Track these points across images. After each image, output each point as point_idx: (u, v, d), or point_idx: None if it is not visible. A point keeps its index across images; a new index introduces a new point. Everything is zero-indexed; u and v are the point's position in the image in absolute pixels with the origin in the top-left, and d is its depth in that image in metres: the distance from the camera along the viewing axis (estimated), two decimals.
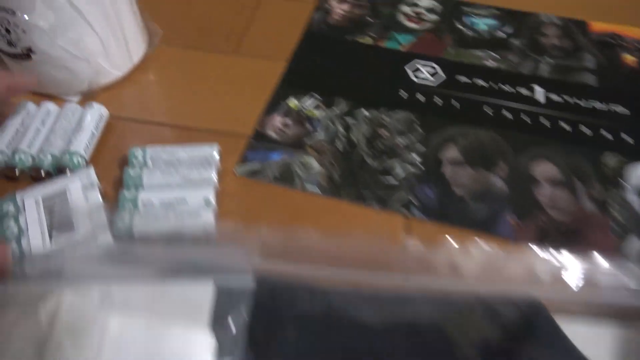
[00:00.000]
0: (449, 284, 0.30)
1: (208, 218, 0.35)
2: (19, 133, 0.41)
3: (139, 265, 0.31)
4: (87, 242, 0.34)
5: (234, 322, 0.28)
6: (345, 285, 0.30)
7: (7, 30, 0.39)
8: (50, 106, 0.42)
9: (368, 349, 0.29)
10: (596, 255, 0.33)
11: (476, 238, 0.34)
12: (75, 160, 0.38)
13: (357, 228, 0.36)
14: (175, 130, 0.43)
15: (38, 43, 0.40)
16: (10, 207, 0.36)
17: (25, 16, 0.38)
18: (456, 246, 0.33)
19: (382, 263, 0.32)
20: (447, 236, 0.34)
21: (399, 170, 0.38)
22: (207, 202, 0.36)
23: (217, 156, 0.38)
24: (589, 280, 0.31)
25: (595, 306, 0.30)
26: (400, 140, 0.40)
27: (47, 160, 0.39)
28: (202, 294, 0.29)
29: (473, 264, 0.32)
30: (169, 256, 0.31)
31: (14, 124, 0.41)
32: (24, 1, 0.37)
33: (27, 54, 0.41)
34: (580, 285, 0.30)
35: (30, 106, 0.42)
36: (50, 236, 0.34)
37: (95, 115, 0.41)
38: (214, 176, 0.37)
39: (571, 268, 0.32)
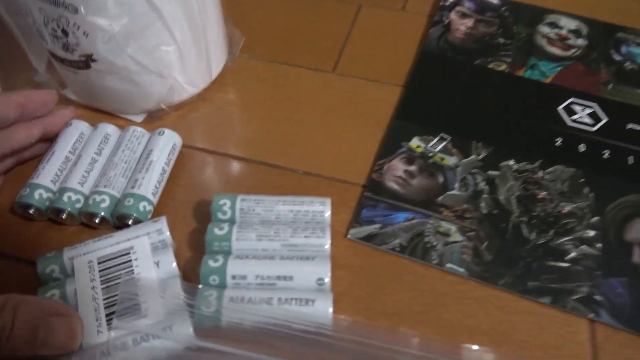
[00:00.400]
0: None
1: (324, 309, 0.25)
2: (68, 163, 0.32)
3: None
4: (159, 335, 0.24)
5: None
6: None
7: (65, 32, 0.30)
8: (109, 128, 0.33)
9: None
10: None
11: None
12: (141, 208, 0.29)
13: (522, 332, 0.26)
14: (263, 170, 0.34)
15: (102, 50, 0.31)
16: (54, 270, 0.27)
17: (91, 16, 0.29)
18: None
19: None
20: None
21: (573, 251, 0.29)
22: (320, 284, 0.26)
23: (329, 214, 0.29)
24: None
25: None
26: (567, 208, 0.31)
27: (104, 204, 0.30)
28: None
29: None
30: None
31: (62, 150, 0.32)
32: None
33: (85, 62, 0.32)
34: None
35: (84, 126, 0.34)
36: (109, 322, 0.25)
37: (168, 146, 0.32)
38: (327, 245, 0.28)
39: None
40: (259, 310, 0.25)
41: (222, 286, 0.26)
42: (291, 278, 0.26)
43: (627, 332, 0.26)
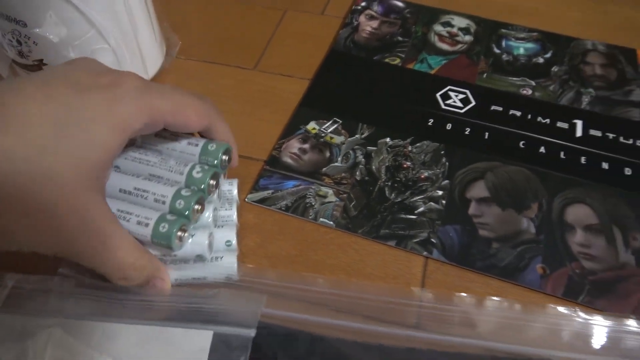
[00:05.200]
0: (463, 341, 0.29)
1: (230, 262, 0.34)
2: None
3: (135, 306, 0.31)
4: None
5: None
6: (351, 335, 0.30)
7: (19, 42, 0.40)
8: None
9: None
10: (629, 315, 0.32)
11: (495, 297, 0.33)
12: None
13: (371, 267, 0.36)
14: None
15: (49, 56, 0.41)
16: None
17: (36, 29, 0.39)
18: (473, 301, 0.32)
19: (392, 315, 0.31)
20: (462, 294, 0.34)
21: (421, 207, 0.38)
22: (228, 245, 0.35)
23: (236, 192, 0.38)
24: (616, 343, 0.30)
25: None
26: (425, 174, 0.40)
27: None
28: (200, 342, 0.29)
29: (491, 320, 0.31)
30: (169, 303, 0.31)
31: None
32: (35, 14, 0.38)
33: (39, 66, 0.42)
34: (606, 347, 0.29)
35: None
36: None
37: None
38: (234, 216, 0.36)
39: (598, 328, 0.31)
40: (181, 271, 0.33)
41: None
42: None
43: (451, 265, 0.35)
